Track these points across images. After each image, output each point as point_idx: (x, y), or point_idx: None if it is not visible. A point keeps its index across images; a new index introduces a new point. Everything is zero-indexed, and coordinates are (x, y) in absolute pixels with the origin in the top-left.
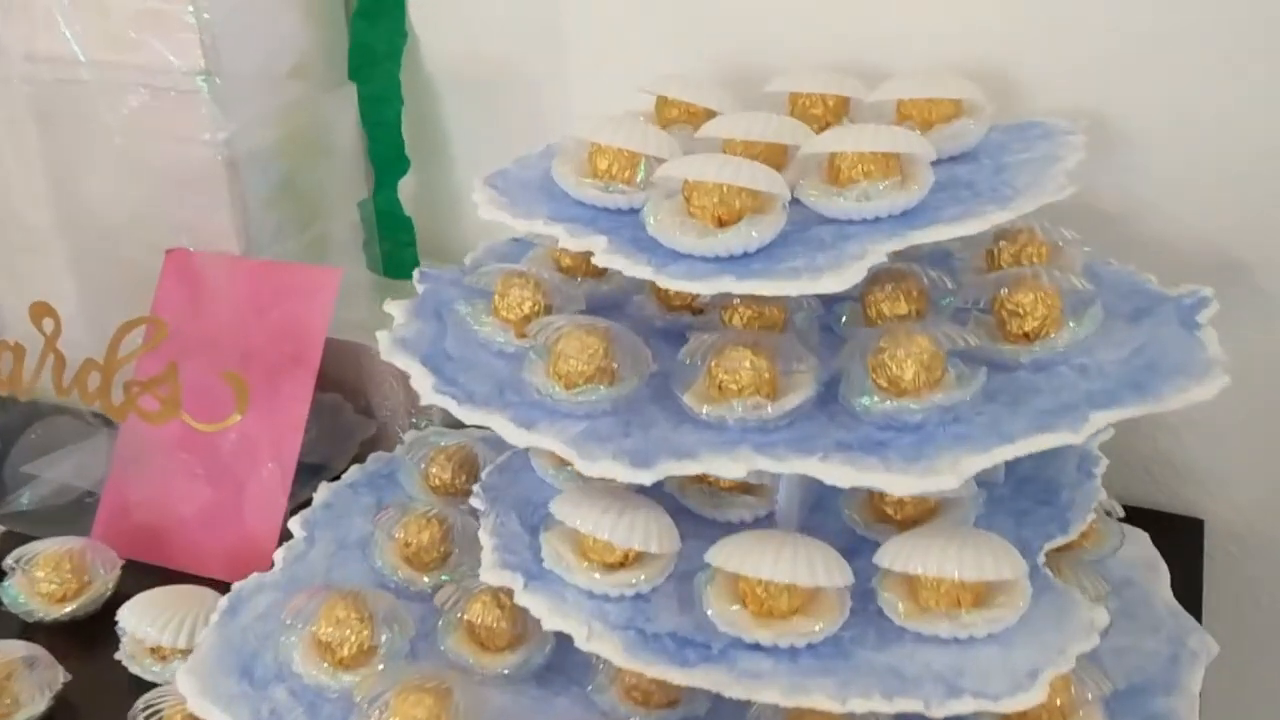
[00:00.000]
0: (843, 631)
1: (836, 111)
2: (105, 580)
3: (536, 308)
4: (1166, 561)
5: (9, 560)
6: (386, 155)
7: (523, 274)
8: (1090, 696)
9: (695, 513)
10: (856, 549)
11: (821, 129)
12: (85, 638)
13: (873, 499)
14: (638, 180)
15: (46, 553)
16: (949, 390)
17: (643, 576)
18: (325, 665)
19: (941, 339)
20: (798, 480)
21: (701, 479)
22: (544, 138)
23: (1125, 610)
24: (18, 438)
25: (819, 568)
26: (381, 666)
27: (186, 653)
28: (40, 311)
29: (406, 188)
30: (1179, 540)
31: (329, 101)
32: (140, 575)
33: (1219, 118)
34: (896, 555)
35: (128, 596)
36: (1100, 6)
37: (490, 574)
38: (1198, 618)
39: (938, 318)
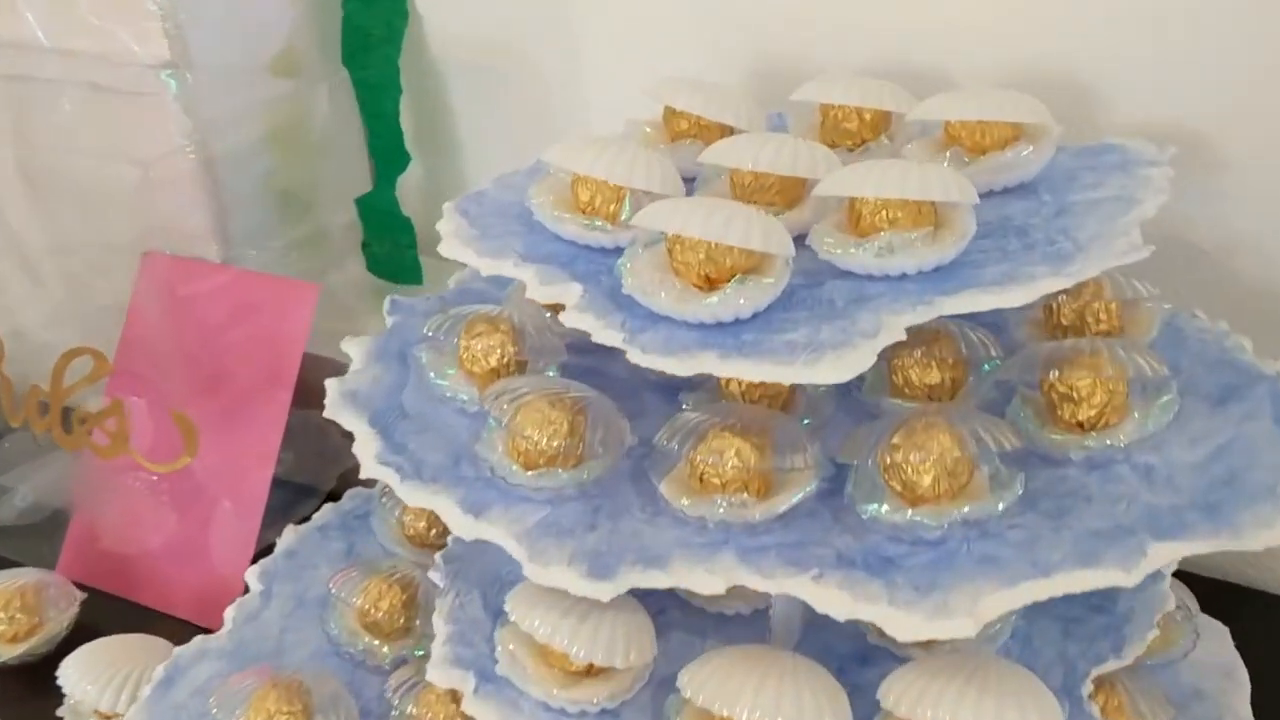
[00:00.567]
0: None
1: (874, 127)
2: (60, 619)
3: (506, 360)
4: (1250, 660)
5: None
6: (385, 149)
7: (492, 318)
8: None
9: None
10: (868, 657)
11: (855, 146)
12: (34, 683)
13: None
14: (622, 217)
15: None
16: (977, 498)
17: (607, 693)
18: None
19: (970, 438)
20: None
21: None
22: (557, 128)
23: None
24: None
25: (808, 708)
26: None
27: None
28: None
29: (410, 182)
30: (1270, 627)
31: (320, 92)
32: (103, 611)
33: None
34: (903, 696)
35: (88, 633)
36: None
37: (438, 672)
38: None
39: (978, 385)
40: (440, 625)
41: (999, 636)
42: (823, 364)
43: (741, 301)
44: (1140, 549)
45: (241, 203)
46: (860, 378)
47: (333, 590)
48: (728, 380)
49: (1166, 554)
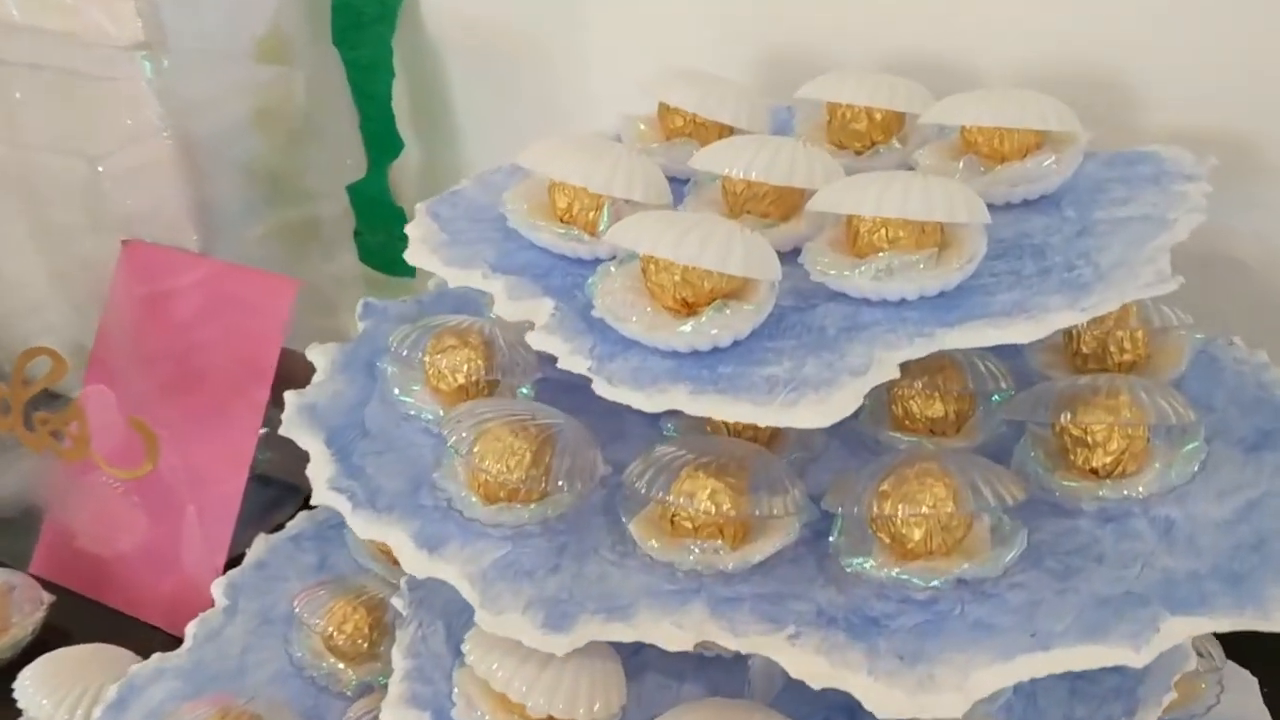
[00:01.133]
0: None
1: (886, 129)
2: (25, 624)
3: (474, 378)
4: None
5: None
6: (377, 134)
7: (461, 331)
8: None
9: None
10: (857, 709)
11: (864, 149)
12: None
13: None
14: (600, 228)
15: None
16: (975, 553)
17: None
18: None
19: (967, 490)
20: None
21: None
22: (562, 113)
23: None
24: None
25: None
26: None
27: None
28: None
29: (407, 169)
30: None
31: (309, 73)
32: (74, 614)
33: None
34: None
35: (57, 636)
36: None
37: (393, 712)
38: None
39: (986, 419)
40: (399, 660)
41: (1000, 695)
42: (802, 406)
43: (715, 331)
44: (1153, 623)
45: (223, 189)
46: (860, 406)
47: (296, 609)
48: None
49: (1182, 630)
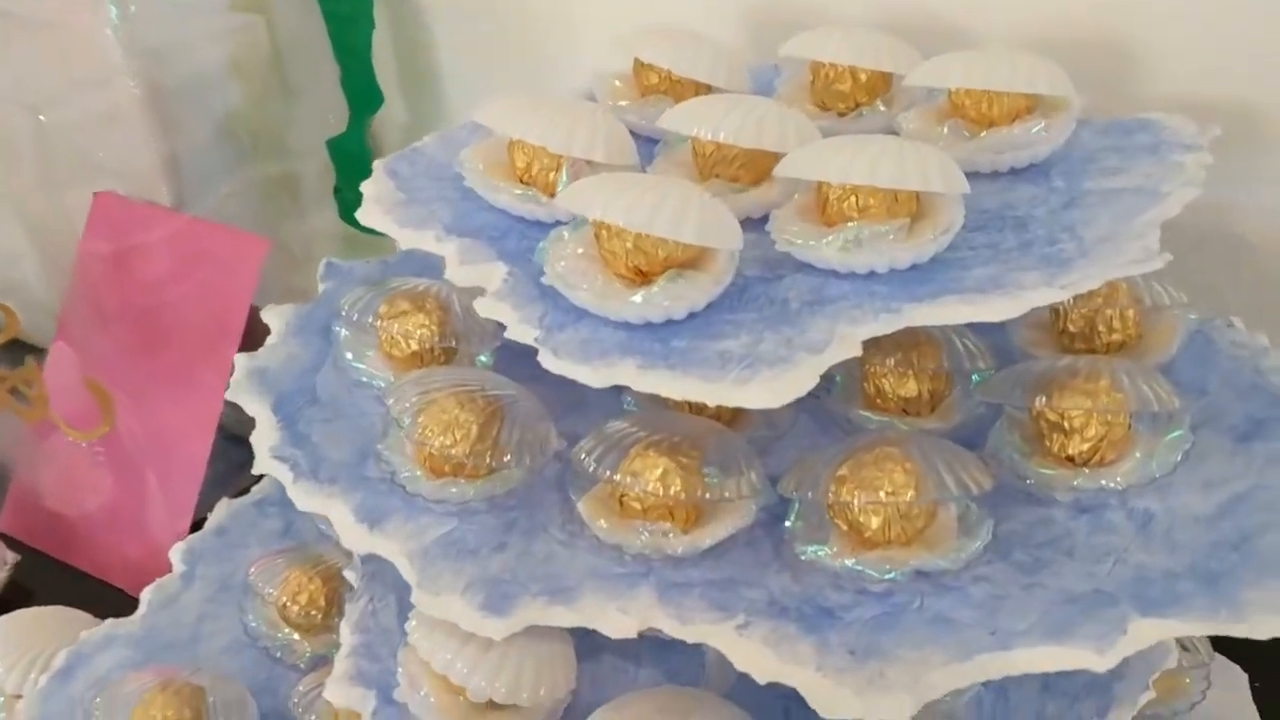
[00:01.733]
0: None
1: (870, 89)
2: None
3: (428, 344)
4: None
5: None
6: (356, 88)
7: (416, 295)
8: None
9: None
10: None
11: (848, 110)
12: None
13: None
14: (560, 189)
15: None
16: (939, 543)
17: None
18: None
19: (930, 477)
20: None
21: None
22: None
23: None
24: None
25: None
26: None
27: None
28: None
29: (391, 124)
30: None
31: (287, 23)
32: (40, 574)
33: None
34: None
35: (20, 595)
36: None
37: (337, 688)
38: None
39: (963, 400)
40: (347, 635)
41: (968, 689)
42: (754, 385)
43: (668, 303)
44: (1120, 624)
45: (198, 142)
46: (831, 380)
47: (251, 577)
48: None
49: (1151, 633)
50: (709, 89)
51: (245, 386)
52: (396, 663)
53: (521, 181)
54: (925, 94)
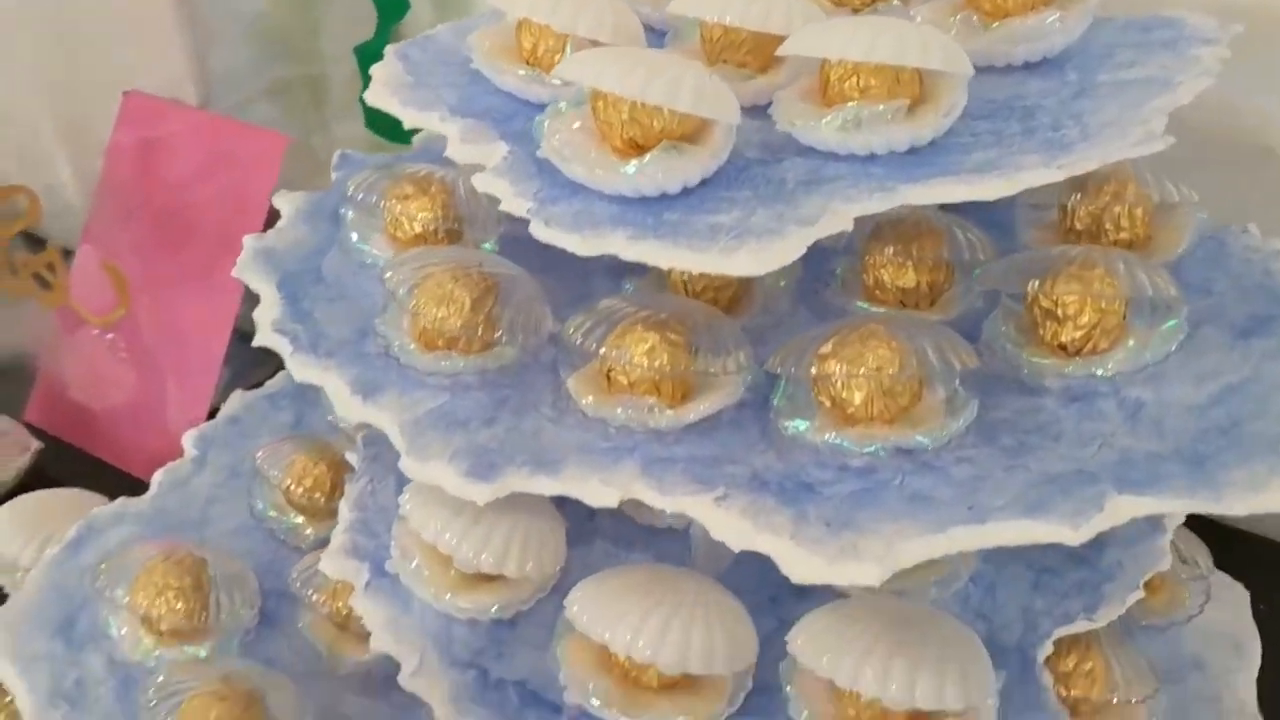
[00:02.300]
0: None
1: None
2: (10, 467)
3: (432, 226)
4: (1273, 631)
5: None
6: None
7: (421, 179)
8: None
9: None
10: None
11: (865, 3)
12: None
13: None
14: None
15: None
16: (923, 423)
17: (500, 602)
18: (143, 637)
19: (914, 353)
20: None
21: None
22: None
23: (1177, 710)
24: None
25: (695, 646)
26: (204, 653)
27: None
28: None
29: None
30: None
31: None
32: (62, 462)
33: None
34: (807, 645)
35: (41, 481)
36: None
37: (332, 561)
38: None
39: (965, 294)
40: (345, 512)
41: (953, 580)
42: (741, 253)
43: (660, 174)
44: (1097, 502)
45: (227, 45)
46: (832, 274)
47: (259, 460)
48: (672, 269)
49: (1127, 509)
50: None
51: (251, 265)
52: (391, 538)
53: (528, 64)
54: None
